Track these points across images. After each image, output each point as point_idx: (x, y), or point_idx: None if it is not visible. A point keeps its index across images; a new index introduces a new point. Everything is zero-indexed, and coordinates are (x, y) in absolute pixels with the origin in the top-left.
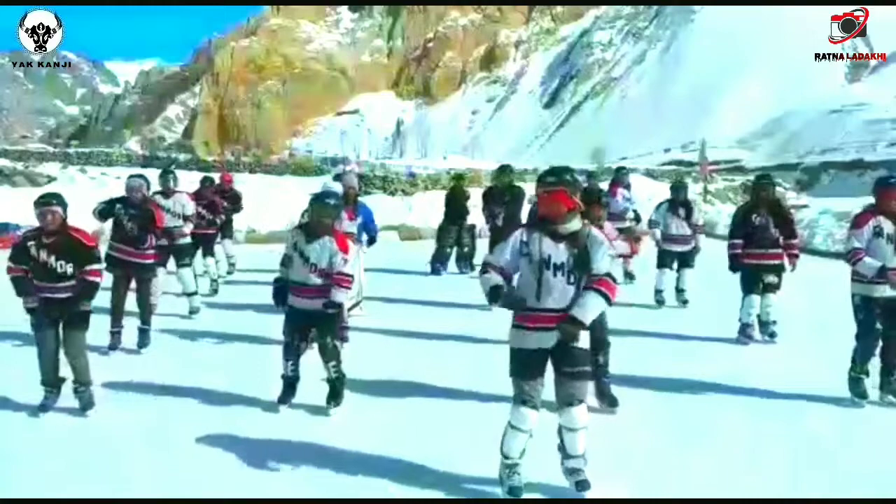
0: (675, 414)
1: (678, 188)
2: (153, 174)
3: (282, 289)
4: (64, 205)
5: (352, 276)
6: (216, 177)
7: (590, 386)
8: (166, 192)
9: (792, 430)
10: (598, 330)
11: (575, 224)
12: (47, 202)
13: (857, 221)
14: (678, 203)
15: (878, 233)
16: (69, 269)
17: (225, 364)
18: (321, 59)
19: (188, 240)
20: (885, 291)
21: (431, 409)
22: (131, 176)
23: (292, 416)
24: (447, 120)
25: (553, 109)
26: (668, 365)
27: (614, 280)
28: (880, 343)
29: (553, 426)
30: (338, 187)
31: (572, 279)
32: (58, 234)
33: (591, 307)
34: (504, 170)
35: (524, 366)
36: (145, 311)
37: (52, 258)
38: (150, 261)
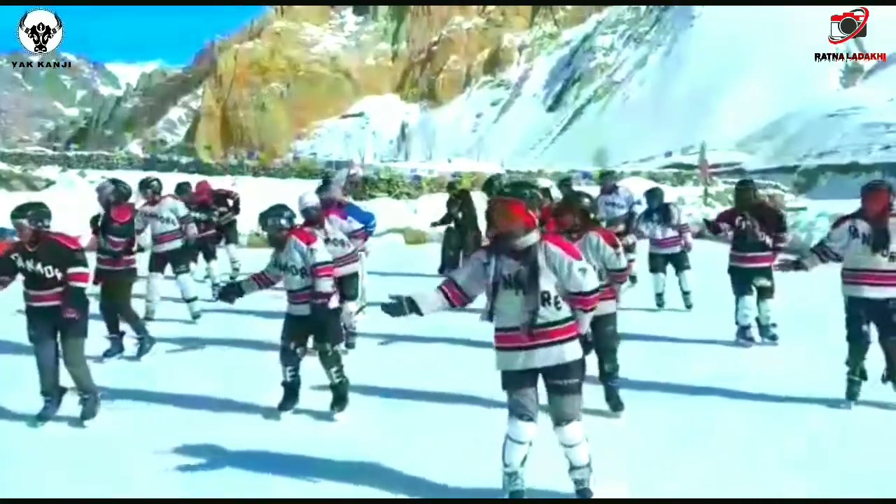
0: (675, 414)
1: (650, 196)
2: (154, 176)
3: (234, 288)
4: (38, 216)
5: (328, 262)
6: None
7: (597, 390)
8: (151, 201)
9: (791, 430)
10: (604, 338)
11: (531, 238)
12: (14, 216)
13: (836, 223)
14: (653, 210)
15: (853, 233)
16: (58, 273)
17: (226, 369)
18: (325, 62)
19: (179, 244)
20: (865, 292)
21: (434, 413)
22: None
23: (293, 421)
24: (452, 123)
25: (556, 113)
26: (668, 366)
27: (592, 292)
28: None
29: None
30: (313, 199)
31: (525, 293)
32: (39, 241)
33: (583, 324)
34: (490, 183)
35: (514, 382)
36: (130, 319)
37: (39, 265)
38: (119, 267)
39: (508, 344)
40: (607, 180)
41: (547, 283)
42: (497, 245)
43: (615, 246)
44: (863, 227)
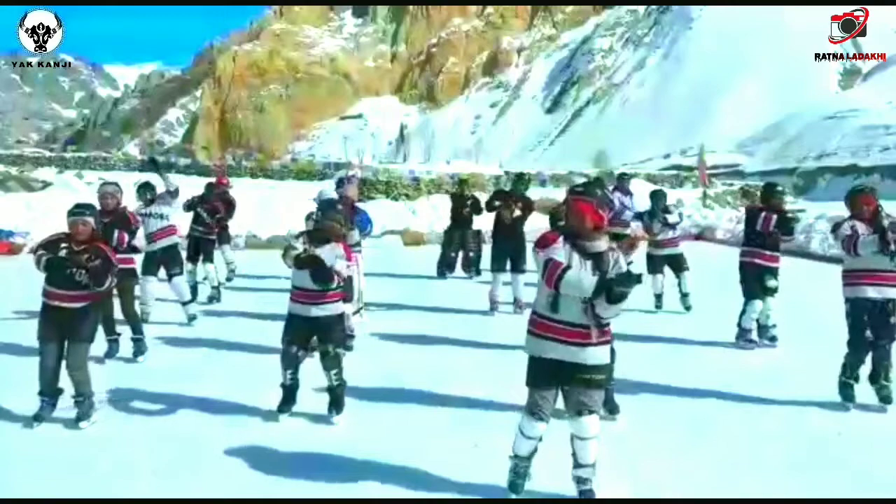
0: (676, 415)
1: (656, 196)
2: (150, 179)
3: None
4: (96, 217)
5: (342, 275)
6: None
7: None
8: (148, 202)
9: (791, 430)
10: None
11: (601, 244)
12: (80, 213)
13: (834, 228)
14: (657, 210)
15: (855, 234)
16: (85, 279)
17: (223, 371)
18: (325, 64)
19: (174, 241)
20: (867, 293)
21: (433, 416)
22: (104, 183)
23: (292, 423)
24: (451, 124)
25: (555, 115)
26: (668, 367)
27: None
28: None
29: (561, 431)
30: (334, 194)
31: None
32: (88, 244)
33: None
34: (521, 178)
35: (538, 376)
36: (134, 319)
37: (76, 266)
38: (131, 266)
39: (543, 332)
40: (624, 182)
41: None
42: (570, 238)
43: None
44: (862, 228)
